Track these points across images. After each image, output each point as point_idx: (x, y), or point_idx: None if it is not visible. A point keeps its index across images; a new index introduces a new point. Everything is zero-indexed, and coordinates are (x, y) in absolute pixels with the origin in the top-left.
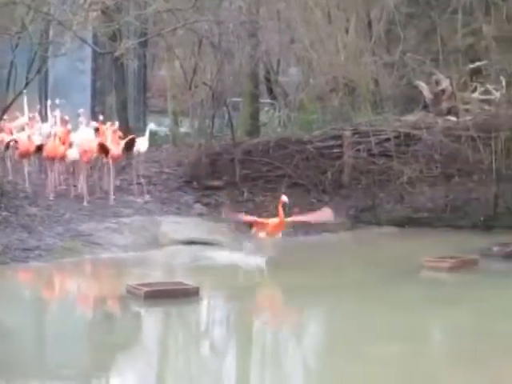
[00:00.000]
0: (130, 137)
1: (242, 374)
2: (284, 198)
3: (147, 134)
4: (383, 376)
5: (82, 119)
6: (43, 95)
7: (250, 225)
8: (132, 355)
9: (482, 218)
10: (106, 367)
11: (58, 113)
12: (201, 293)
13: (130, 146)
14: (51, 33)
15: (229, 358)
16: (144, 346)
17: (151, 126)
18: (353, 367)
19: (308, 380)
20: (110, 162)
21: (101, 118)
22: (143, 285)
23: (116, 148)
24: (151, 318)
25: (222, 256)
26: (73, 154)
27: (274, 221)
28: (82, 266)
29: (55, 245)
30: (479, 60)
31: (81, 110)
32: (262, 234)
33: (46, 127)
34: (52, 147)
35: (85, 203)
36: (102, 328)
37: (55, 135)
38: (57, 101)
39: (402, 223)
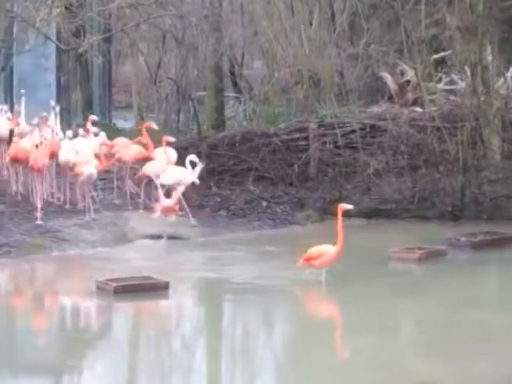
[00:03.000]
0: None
1: (212, 367)
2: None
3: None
4: (354, 367)
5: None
6: (8, 93)
7: None
8: (103, 350)
9: (449, 209)
10: (77, 363)
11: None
12: (170, 287)
13: None
14: (15, 29)
15: (199, 351)
16: (115, 341)
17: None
18: (323, 358)
19: (280, 373)
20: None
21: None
22: (112, 280)
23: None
24: (121, 313)
25: (191, 250)
26: (89, 169)
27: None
28: (51, 262)
29: (24, 241)
30: (443, 50)
31: (92, 116)
32: None
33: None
34: (38, 157)
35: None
36: (73, 324)
37: (41, 143)
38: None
39: (369, 215)
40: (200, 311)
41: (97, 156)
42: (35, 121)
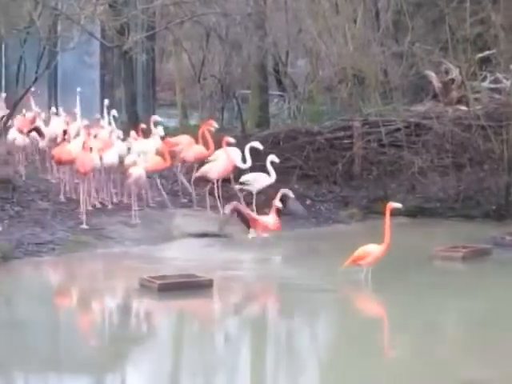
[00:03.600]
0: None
1: (256, 366)
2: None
3: None
4: (400, 365)
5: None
6: (52, 90)
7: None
8: (147, 348)
9: (493, 208)
10: (121, 360)
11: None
12: (214, 285)
13: None
14: (59, 27)
15: (243, 350)
16: (158, 339)
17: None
18: (369, 356)
19: (325, 371)
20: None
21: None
22: (156, 278)
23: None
24: (165, 311)
25: (235, 248)
26: (138, 171)
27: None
28: (95, 259)
29: (68, 239)
30: (488, 49)
31: (154, 117)
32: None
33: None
34: (85, 161)
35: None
36: (117, 321)
37: (87, 145)
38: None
39: (413, 213)
40: (244, 310)
41: (161, 154)
42: (86, 122)
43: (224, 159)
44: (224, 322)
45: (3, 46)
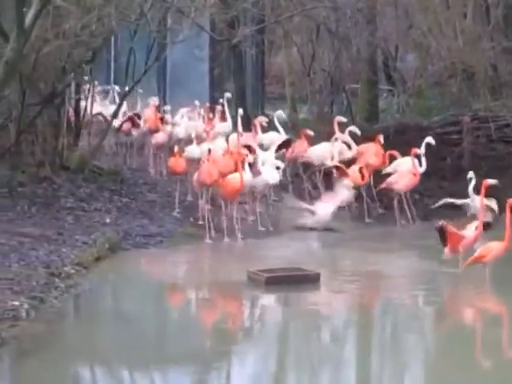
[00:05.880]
0: None
1: (362, 361)
2: None
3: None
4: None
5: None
6: (162, 82)
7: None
8: (254, 341)
9: None
10: (227, 353)
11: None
12: (322, 279)
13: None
14: (169, 20)
15: (349, 345)
16: (264, 332)
17: None
18: (487, 356)
19: (439, 371)
20: None
21: None
22: (264, 271)
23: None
24: (273, 304)
25: (343, 242)
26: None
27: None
28: (203, 251)
29: (175, 231)
30: None
31: (339, 118)
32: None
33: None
34: (208, 171)
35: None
36: (224, 314)
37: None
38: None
39: None
40: (351, 304)
41: (360, 170)
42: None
43: (409, 171)
44: (330, 316)
45: (113, 38)
